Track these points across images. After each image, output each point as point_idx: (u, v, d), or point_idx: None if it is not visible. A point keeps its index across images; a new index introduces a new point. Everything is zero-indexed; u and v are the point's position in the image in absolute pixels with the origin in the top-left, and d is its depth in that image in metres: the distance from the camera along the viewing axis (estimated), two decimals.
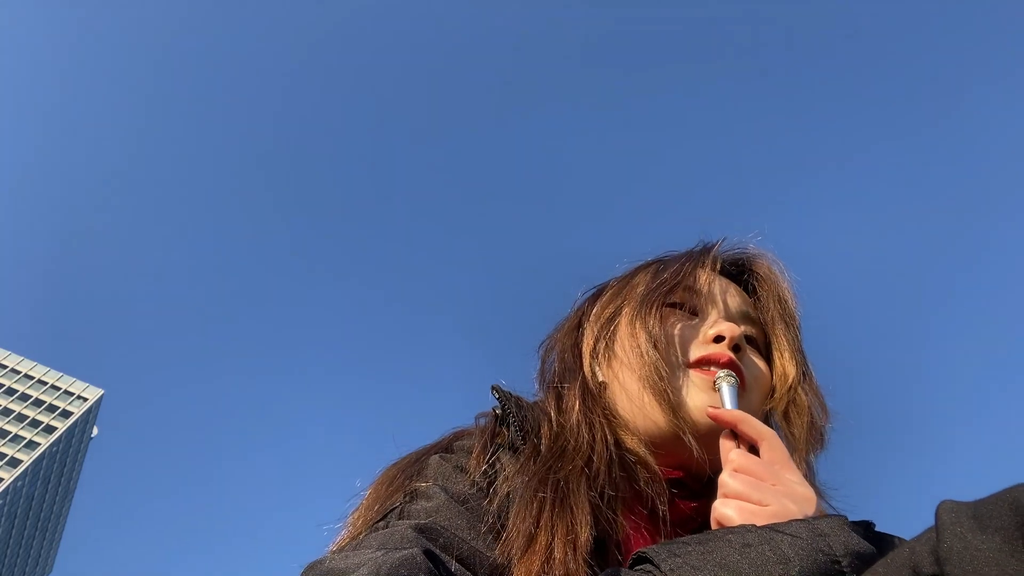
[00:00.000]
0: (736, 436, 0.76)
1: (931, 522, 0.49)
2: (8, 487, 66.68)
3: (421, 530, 0.66)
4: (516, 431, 0.78)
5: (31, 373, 76.19)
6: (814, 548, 0.56)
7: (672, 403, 0.82)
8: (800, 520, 0.61)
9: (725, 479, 0.70)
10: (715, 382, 0.82)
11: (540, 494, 0.71)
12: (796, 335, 0.94)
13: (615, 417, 0.85)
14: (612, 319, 0.92)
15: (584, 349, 0.93)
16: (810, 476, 0.85)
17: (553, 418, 0.82)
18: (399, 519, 0.69)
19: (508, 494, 0.72)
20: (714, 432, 0.80)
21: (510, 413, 0.80)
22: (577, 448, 0.77)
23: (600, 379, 0.89)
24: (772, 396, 0.90)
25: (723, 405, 0.80)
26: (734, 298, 0.94)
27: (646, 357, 0.84)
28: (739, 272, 1.00)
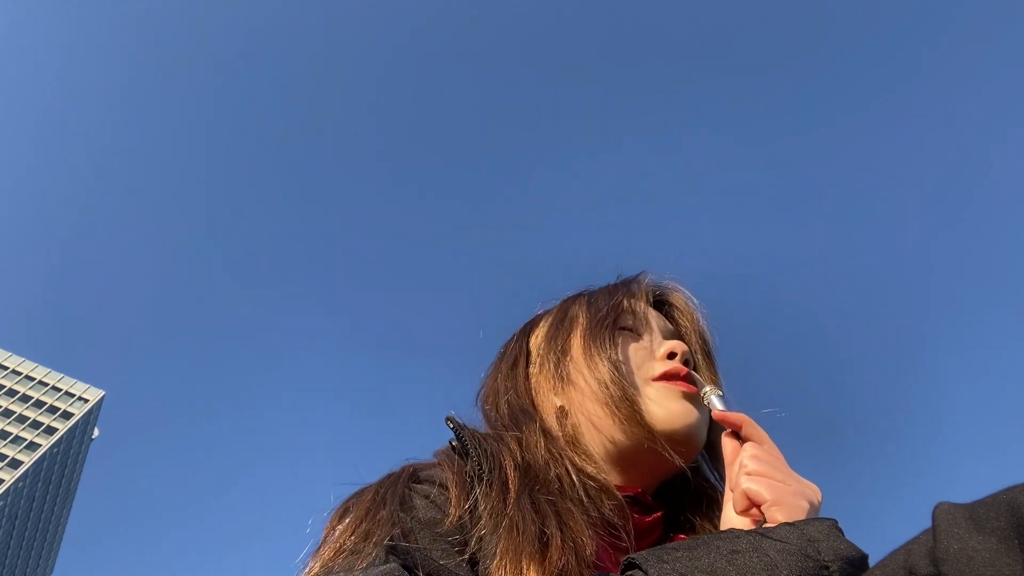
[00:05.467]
0: (737, 437, 0.79)
1: (927, 524, 0.49)
2: (9, 488, 66.67)
3: (392, 550, 0.66)
4: (476, 464, 0.78)
5: (32, 374, 76.19)
6: (802, 554, 0.56)
7: (644, 419, 0.86)
8: (789, 524, 0.61)
9: (746, 462, 0.74)
10: (702, 396, 0.88)
11: (533, 508, 0.72)
12: (714, 363, 1.01)
13: (577, 446, 0.86)
14: (565, 351, 0.95)
15: (534, 387, 0.96)
16: None
17: (516, 451, 0.82)
18: (374, 546, 0.68)
19: (486, 528, 0.71)
20: (687, 439, 0.86)
21: (467, 444, 0.80)
22: (549, 479, 0.79)
23: (559, 405, 0.91)
24: None
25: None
26: (662, 322, 1.00)
27: (612, 381, 0.87)
28: (658, 302, 1.06)
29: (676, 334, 1.00)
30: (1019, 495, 0.44)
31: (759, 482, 0.70)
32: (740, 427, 0.78)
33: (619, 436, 0.86)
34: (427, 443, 0.89)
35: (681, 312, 1.04)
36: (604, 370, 0.88)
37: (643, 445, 0.85)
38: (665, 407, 0.87)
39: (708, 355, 1.00)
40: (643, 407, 0.86)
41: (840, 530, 0.61)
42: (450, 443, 0.84)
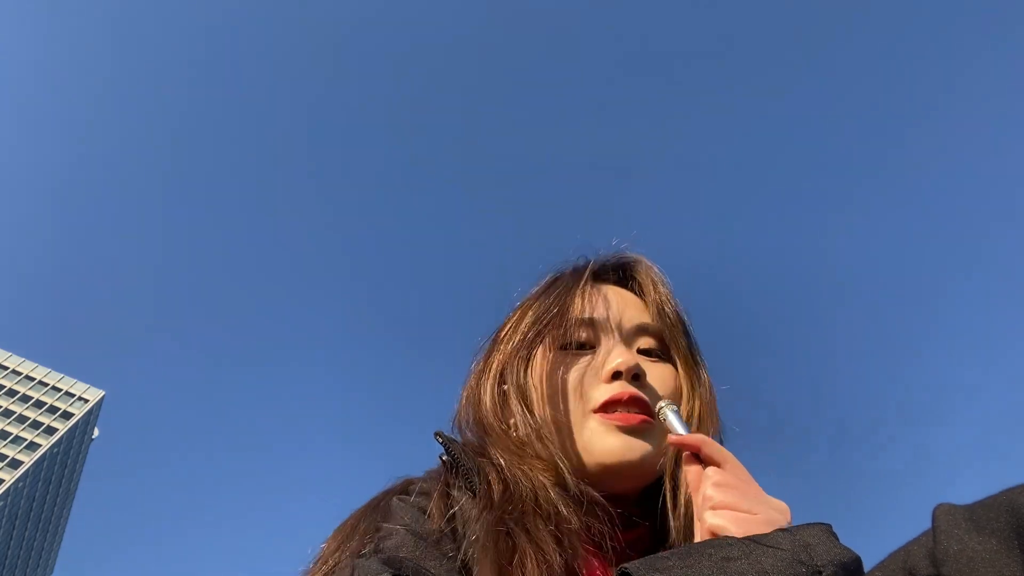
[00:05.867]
0: (698, 458, 0.76)
1: (927, 525, 0.50)
2: (9, 488, 66.66)
3: (387, 563, 0.67)
4: (465, 476, 0.79)
5: (32, 374, 76.20)
6: (795, 560, 0.56)
7: (577, 450, 0.84)
8: (783, 530, 0.61)
9: (710, 493, 0.70)
10: (658, 413, 0.83)
11: (504, 531, 0.72)
12: (683, 341, 0.94)
13: (544, 461, 0.84)
14: (515, 372, 0.92)
15: (488, 412, 0.92)
16: None
17: (500, 465, 0.82)
18: (361, 557, 0.70)
19: (473, 537, 0.72)
20: (624, 473, 0.83)
21: (457, 458, 0.81)
22: (523, 495, 0.78)
23: (522, 432, 0.89)
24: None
25: (675, 430, 0.80)
26: (622, 312, 0.93)
27: (546, 415, 0.86)
28: (625, 277, 1.01)
29: (643, 311, 0.95)
30: (1019, 496, 0.44)
31: (724, 516, 0.67)
32: (699, 449, 0.75)
33: (565, 462, 0.84)
34: (431, 458, 0.90)
35: (644, 289, 0.98)
36: (535, 401, 0.87)
37: (582, 474, 0.83)
38: (599, 445, 0.83)
39: (674, 335, 0.94)
40: (576, 442, 0.84)
41: (834, 534, 0.61)
42: (440, 457, 0.85)
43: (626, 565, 0.58)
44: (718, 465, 0.74)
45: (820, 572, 0.55)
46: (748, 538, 0.60)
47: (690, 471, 0.76)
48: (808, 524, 0.63)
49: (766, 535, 0.60)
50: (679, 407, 0.84)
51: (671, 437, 0.79)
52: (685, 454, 0.77)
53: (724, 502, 0.68)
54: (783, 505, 0.70)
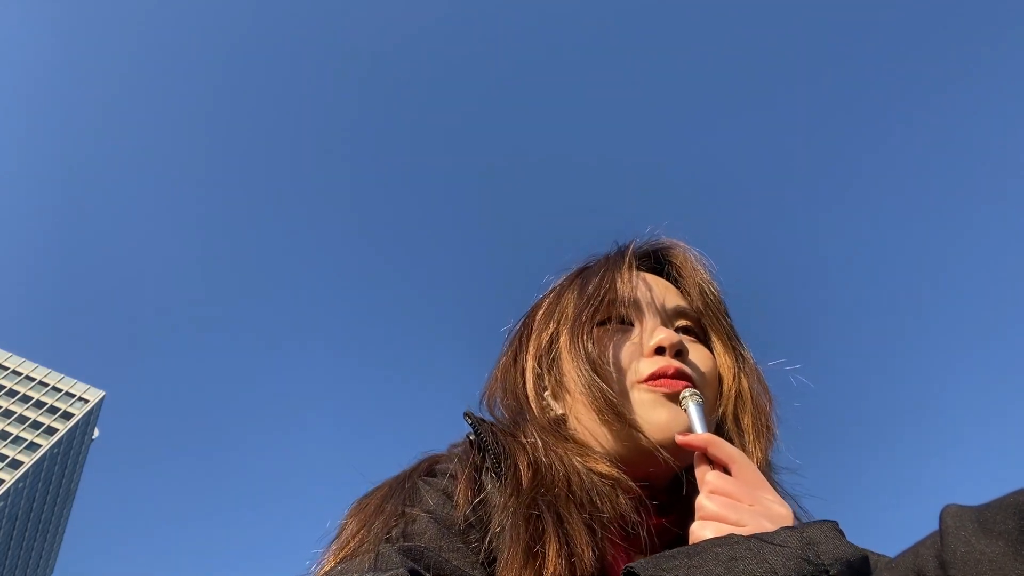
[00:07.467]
0: (709, 458, 0.75)
1: (935, 526, 0.49)
2: (9, 489, 66.66)
3: (406, 552, 0.66)
4: (493, 459, 0.78)
5: (32, 375, 76.21)
6: (801, 558, 0.56)
7: (632, 425, 0.81)
8: (789, 528, 0.60)
9: (702, 502, 0.70)
10: (681, 403, 0.81)
11: (535, 514, 0.70)
12: (724, 321, 0.94)
13: (581, 446, 0.83)
14: (550, 350, 0.92)
15: (528, 390, 0.92)
16: (768, 472, 0.85)
17: (530, 449, 0.80)
18: (384, 544, 0.68)
19: (500, 526, 0.71)
20: (664, 445, 0.80)
21: (486, 440, 0.79)
22: (556, 480, 0.76)
23: (558, 413, 0.88)
24: (722, 387, 0.90)
25: (692, 424, 0.79)
26: (662, 295, 0.93)
27: (593, 387, 0.83)
28: (659, 263, 1.01)
29: (679, 296, 0.95)
30: None
31: (710, 528, 0.67)
32: (706, 450, 0.74)
33: (613, 439, 0.83)
34: (450, 436, 0.88)
35: (681, 272, 0.97)
36: (586, 374, 0.84)
37: (640, 448, 0.81)
38: (649, 416, 0.82)
39: (716, 315, 0.94)
40: (629, 415, 0.82)
41: (841, 532, 0.60)
42: (467, 437, 0.83)
43: (632, 564, 0.58)
44: (725, 466, 0.73)
45: (827, 571, 0.55)
46: (755, 536, 0.59)
47: (698, 472, 0.75)
48: (815, 522, 0.62)
49: (772, 533, 0.60)
50: (702, 398, 0.82)
51: (677, 438, 0.78)
52: (696, 454, 0.76)
53: (712, 513, 0.68)
54: (784, 511, 0.69)
